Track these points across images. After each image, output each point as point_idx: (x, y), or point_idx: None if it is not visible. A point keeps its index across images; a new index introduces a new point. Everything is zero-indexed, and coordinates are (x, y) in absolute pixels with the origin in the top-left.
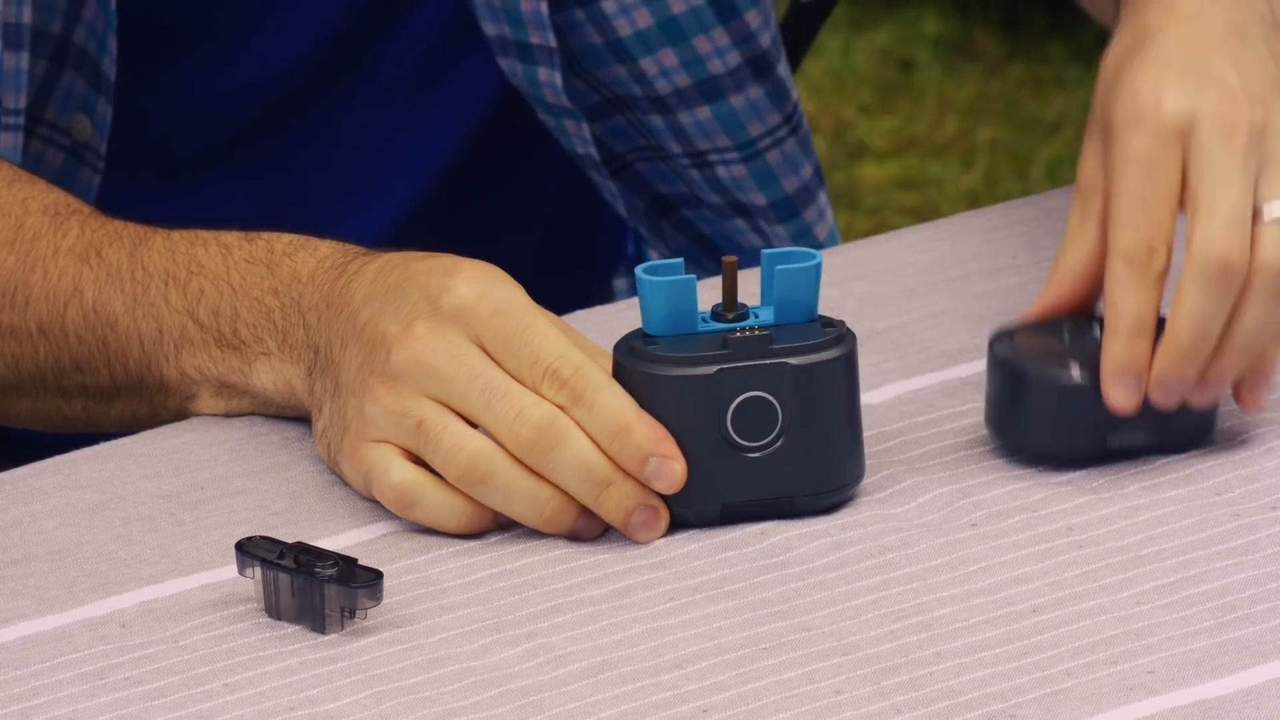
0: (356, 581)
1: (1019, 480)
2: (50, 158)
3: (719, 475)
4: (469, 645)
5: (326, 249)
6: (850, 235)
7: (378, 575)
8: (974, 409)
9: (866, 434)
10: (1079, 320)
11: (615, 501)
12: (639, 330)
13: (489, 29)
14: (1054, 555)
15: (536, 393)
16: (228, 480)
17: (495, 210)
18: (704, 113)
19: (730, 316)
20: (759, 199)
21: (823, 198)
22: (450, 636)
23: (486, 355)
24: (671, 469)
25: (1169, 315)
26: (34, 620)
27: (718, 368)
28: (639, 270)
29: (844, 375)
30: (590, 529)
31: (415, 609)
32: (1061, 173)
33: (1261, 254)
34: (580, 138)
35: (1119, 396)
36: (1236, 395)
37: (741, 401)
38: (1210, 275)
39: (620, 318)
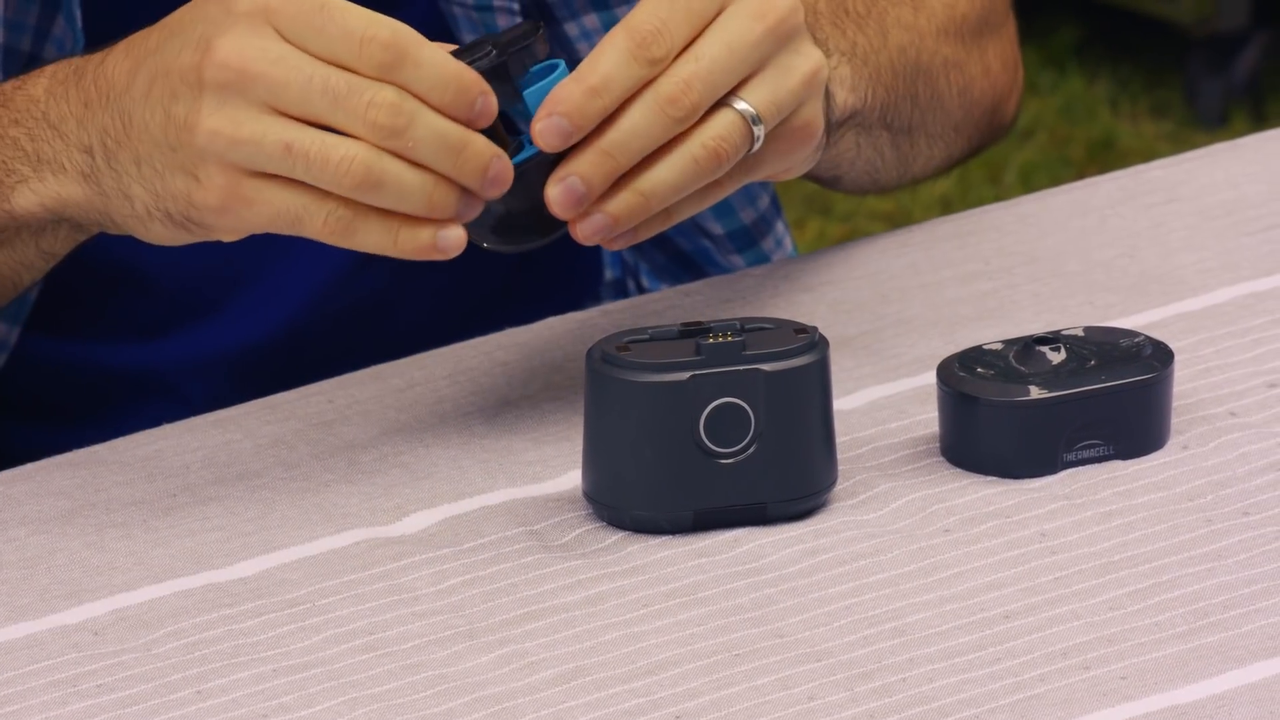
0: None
1: (992, 486)
2: None
3: (692, 481)
4: (442, 652)
5: (53, 66)
6: (823, 242)
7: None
8: None
9: (839, 440)
10: (1024, 344)
11: (473, 161)
12: (612, 336)
13: (468, 39)
14: (1027, 561)
15: (358, 71)
16: (200, 487)
17: None
18: None
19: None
20: (716, 228)
21: (780, 226)
22: (423, 643)
23: (301, 50)
24: (489, 104)
25: None
26: (6, 628)
27: (691, 374)
28: None
29: (817, 381)
30: (471, 208)
31: (388, 615)
32: (1034, 178)
33: (704, 127)
34: None
35: (545, 133)
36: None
37: (715, 408)
38: (655, 101)
39: (595, 325)
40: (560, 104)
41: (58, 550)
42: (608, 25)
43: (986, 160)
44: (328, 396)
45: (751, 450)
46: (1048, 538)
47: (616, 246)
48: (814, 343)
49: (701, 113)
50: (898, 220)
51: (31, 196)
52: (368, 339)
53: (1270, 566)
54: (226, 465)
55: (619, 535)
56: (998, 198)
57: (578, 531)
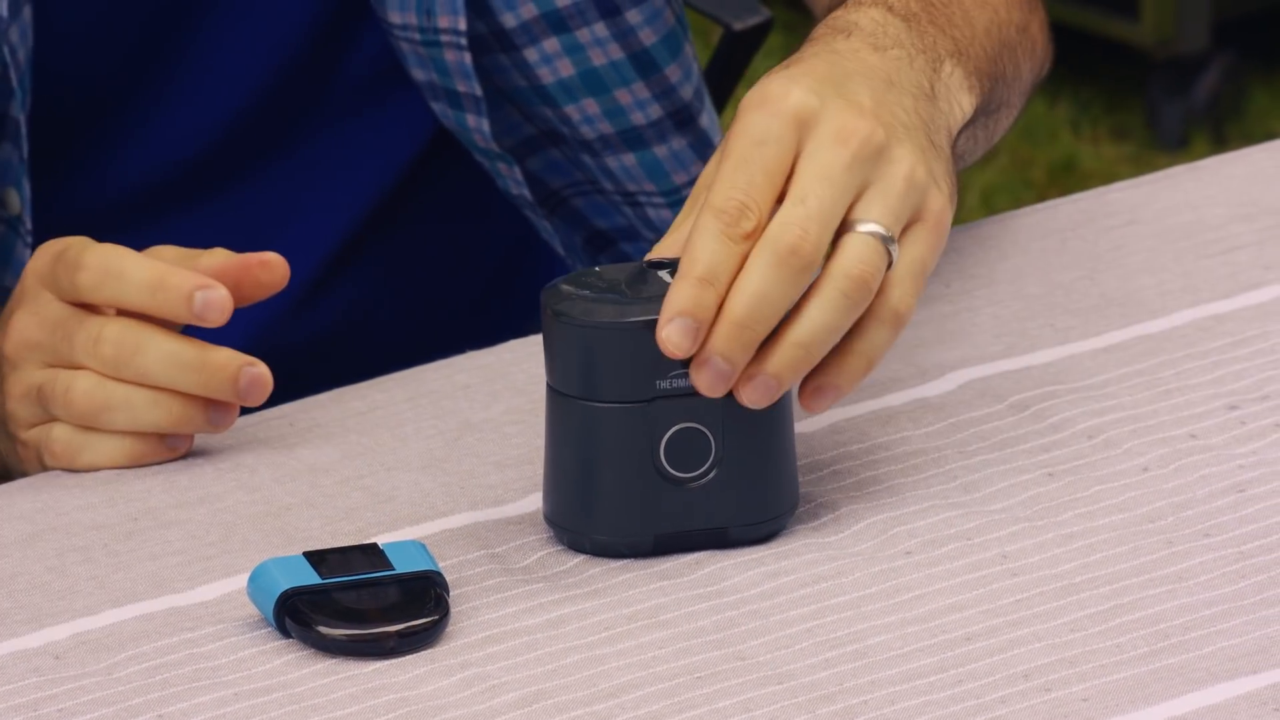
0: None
1: (953, 508)
2: None
3: (653, 506)
4: (404, 675)
5: None
6: None
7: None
8: (908, 437)
9: (800, 463)
10: (631, 268)
11: (217, 376)
12: None
13: (418, 75)
14: (988, 583)
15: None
16: (161, 511)
17: (426, 249)
18: (629, 159)
19: None
20: None
21: None
22: (385, 666)
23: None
24: (218, 295)
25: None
26: None
27: (651, 398)
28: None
29: (777, 405)
30: (224, 418)
31: None
32: (995, 200)
33: (840, 258)
34: (514, 179)
35: (673, 337)
36: (800, 395)
37: (675, 432)
38: (776, 256)
39: None
40: (677, 303)
41: (18, 574)
42: (568, 49)
43: None
44: (289, 420)
45: (712, 475)
46: (1009, 559)
47: (821, 407)
48: None
49: (824, 253)
50: None
51: None
52: (326, 364)
53: (1231, 588)
54: (187, 489)
55: (580, 558)
56: (958, 220)
57: (539, 554)
